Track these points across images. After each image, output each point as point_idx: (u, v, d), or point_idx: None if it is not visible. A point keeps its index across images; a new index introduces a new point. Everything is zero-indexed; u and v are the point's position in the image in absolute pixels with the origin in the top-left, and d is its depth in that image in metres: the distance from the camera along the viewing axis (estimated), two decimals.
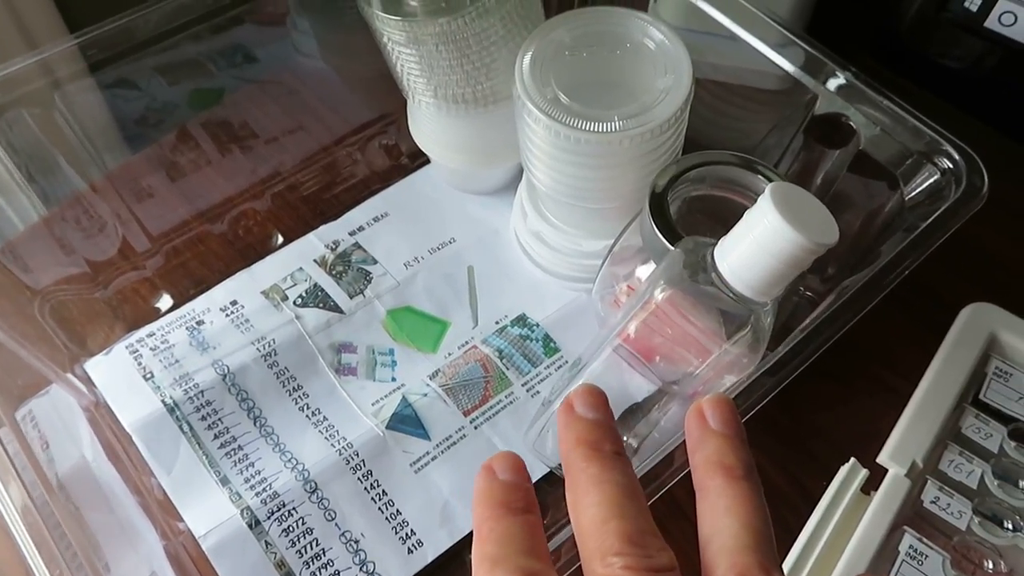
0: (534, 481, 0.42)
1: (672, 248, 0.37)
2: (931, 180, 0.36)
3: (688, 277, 0.33)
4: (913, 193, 0.37)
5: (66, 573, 0.28)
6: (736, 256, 0.30)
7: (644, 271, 0.42)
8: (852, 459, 0.40)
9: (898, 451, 0.40)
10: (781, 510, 0.43)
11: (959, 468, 0.40)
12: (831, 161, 0.41)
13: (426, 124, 0.49)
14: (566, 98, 0.38)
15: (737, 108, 0.50)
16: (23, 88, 0.43)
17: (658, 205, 0.38)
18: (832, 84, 0.40)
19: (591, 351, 0.39)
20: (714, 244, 0.32)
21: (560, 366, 0.46)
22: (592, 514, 0.24)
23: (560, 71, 0.40)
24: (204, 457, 0.42)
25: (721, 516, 0.24)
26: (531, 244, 0.49)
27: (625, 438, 0.40)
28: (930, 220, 0.33)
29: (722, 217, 0.41)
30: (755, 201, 0.30)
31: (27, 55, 0.43)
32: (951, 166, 0.36)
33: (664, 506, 0.33)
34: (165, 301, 0.49)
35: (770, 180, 0.39)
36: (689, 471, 0.27)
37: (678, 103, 0.38)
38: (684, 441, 0.27)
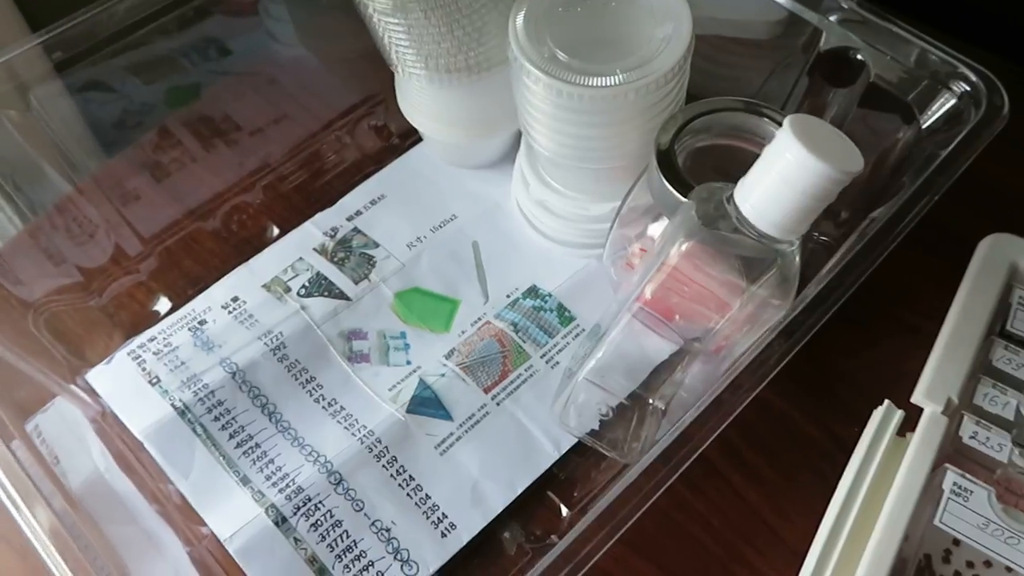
0: (562, 453, 0.41)
1: (685, 200, 0.36)
2: (948, 105, 0.35)
3: (706, 226, 0.32)
4: (930, 121, 0.36)
5: None
6: (759, 195, 0.29)
7: (656, 229, 0.41)
8: (887, 401, 0.39)
9: (932, 389, 0.39)
10: (815, 460, 0.43)
11: (994, 401, 0.39)
12: (839, 100, 0.40)
13: (417, 99, 0.48)
14: (564, 55, 0.37)
15: (735, 57, 0.49)
16: None
17: (665, 158, 0.37)
18: (834, 17, 0.38)
19: (609, 318, 0.38)
20: (731, 188, 0.31)
21: (577, 335, 0.45)
22: None
23: (555, 29, 0.38)
24: (222, 458, 0.40)
25: None
26: (536, 214, 0.47)
27: (651, 401, 0.39)
28: (954, 144, 0.32)
29: (728, 167, 0.40)
30: (762, 147, 0.29)
31: None
32: (968, 88, 0.35)
33: (698, 466, 0.32)
34: (163, 304, 0.47)
35: (777, 123, 0.38)
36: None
37: (680, 51, 0.37)
38: (715, 400, 0.25)
